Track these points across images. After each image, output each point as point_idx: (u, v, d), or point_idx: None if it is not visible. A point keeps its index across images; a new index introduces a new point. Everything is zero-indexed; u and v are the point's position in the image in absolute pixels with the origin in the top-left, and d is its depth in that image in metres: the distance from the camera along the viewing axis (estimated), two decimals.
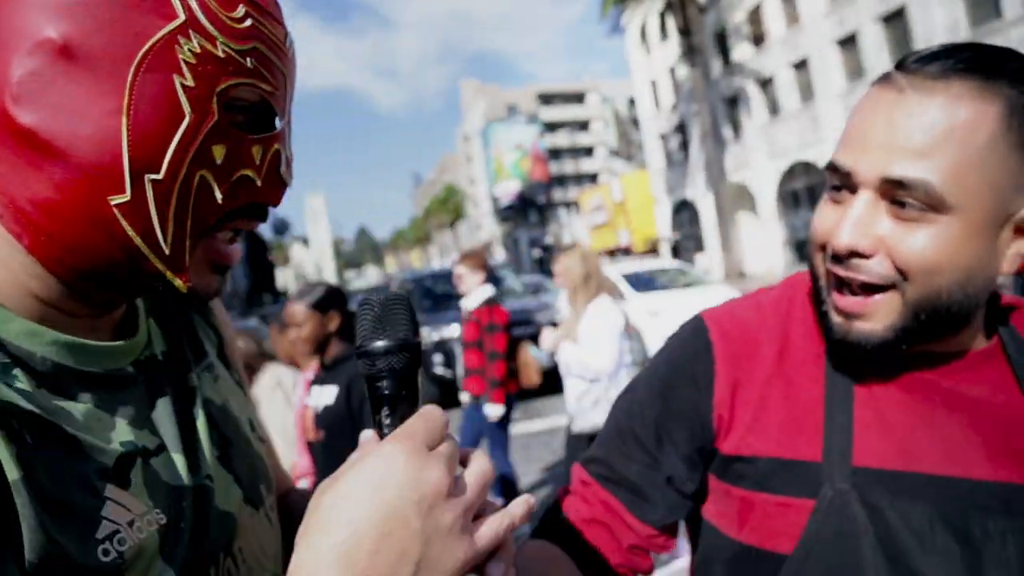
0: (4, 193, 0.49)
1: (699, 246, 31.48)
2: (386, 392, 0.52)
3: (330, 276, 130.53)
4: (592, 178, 63.70)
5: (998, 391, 0.72)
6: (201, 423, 0.61)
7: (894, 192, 0.64)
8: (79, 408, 0.51)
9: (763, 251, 27.51)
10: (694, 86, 27.23)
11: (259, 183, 0.55)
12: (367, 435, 0.51)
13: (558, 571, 0.78)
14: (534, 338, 8.79)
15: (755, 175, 27.34)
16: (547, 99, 66.29)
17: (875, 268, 0.66)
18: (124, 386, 0.56)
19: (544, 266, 48.01)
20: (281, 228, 76.10)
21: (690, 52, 26.71)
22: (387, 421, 0.51)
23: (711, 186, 26.79)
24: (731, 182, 28.37)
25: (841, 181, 0.68)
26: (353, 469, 0.45)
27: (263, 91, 0.54)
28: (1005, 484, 0.67)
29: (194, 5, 0.50)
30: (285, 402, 3.22)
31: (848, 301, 0.69)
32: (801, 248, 25.80)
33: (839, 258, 0.68)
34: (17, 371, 0.48)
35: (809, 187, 25.46)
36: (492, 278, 4.43)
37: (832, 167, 0.69)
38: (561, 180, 63.85)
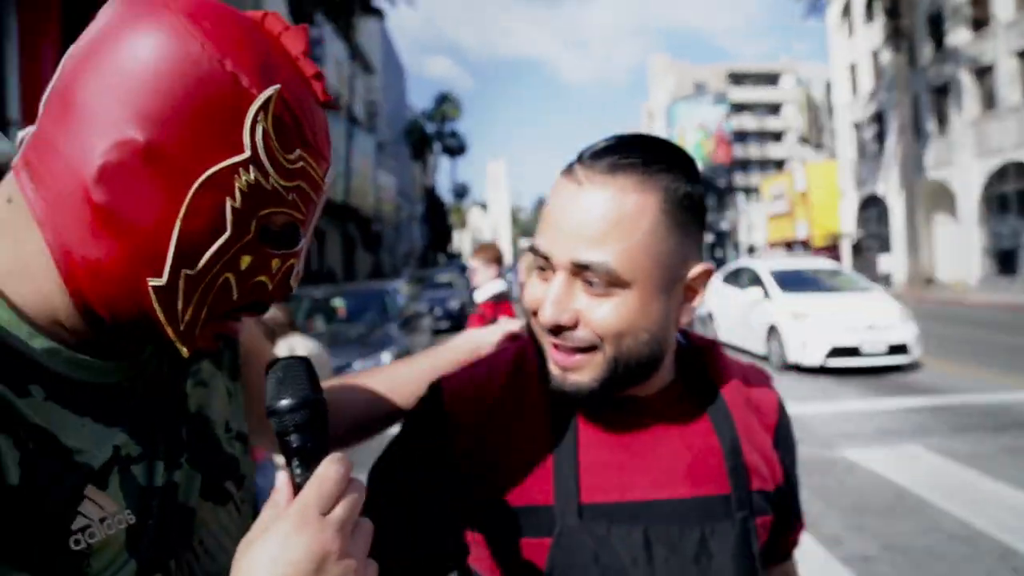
0: (65, 244, 0.58)
1: (884, 247, 29.13)
2: (294, 445, 0.59)
3: (505, 243, 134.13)
4: (778, 165, 60.48)
5: (690, 421, 0.87)
6: (183, 432, 0.70)
7: (583, 273, 0.76)
8: (79, 420, 0.60)
9: (958, 258, 25.00)
10: (897, 73, 25.02)
11: (270, 288, 0.64)
12: (281, 482, 0.58)
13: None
14: None
15: (958, 174, 24.79)
16: (738, 79, 63.46)
17: (579, 335, 0.78)
18: (122, 398, 0.64)
19: (714, 252, 46.52)
20: (461, 192, 78.91)
21: (896, 35, 24.53)
22: (297, 471, 0.58)
23: (905, 182, 24.63)
24: (929, 179, 25.92)
25: (543, 263, 0.80)
26: (259, 542, 0.54)
27: (295, 219, 0.63)
28: (703, 497, 0.82)
29: (260, 144, 0.58)
30: None
31: (560, 357, 0.80)
32: (1005, 258, 23.23)
33: (545, 327, 0.79)
34: (34, 386, 0.57)
35: (1021, 191, 22.73)
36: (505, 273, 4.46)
37: (534, 250, 0.80)
38: (744, 164, 61.17)
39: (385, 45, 55.22)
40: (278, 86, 0.59)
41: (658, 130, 66.63)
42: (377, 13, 27.34)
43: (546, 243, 0.78)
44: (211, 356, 0.78)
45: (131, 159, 0.55)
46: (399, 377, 1.05)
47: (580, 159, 0.79)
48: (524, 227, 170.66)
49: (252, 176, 0.58)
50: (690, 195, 0.78)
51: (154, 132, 0.56)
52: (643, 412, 0.86)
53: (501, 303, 4.33)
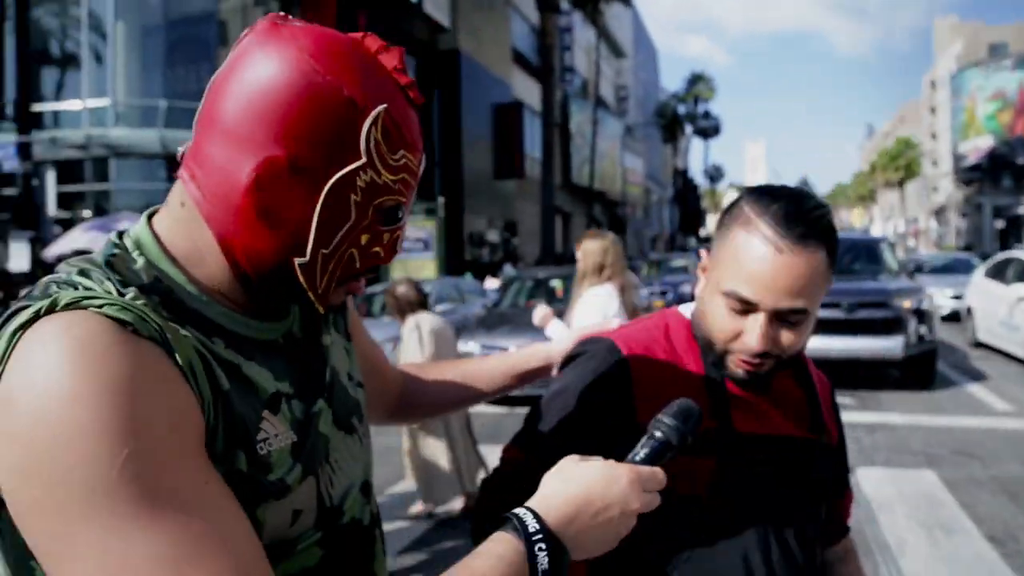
0: (229, 236, 0.74)
1: None
2: (654, 443, 0.86)
3: None
4: None
5: (785, 384, 1.18)
6: (326, 378, 0.88)
7: (784, 314, 1.02)
8: (251, 363, 0.76)
9: None
10: None
11: (383, 255, 0.81)
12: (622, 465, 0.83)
13: None
14: (883, 323, 7.87)
15: None
16: None
17: (772, 353, 1.05)
18: (276, 351, 0.81)
19: (1006, 240, 40.27)
20: (715, 175, 76.46)
21: None
22: (641, 453, 0.86)
23: None
24: None
25: (743, 306, 1.03)
26: (601, 464, 0.80)
27: (400, 201, 0.79)
28: (792, 436, 1.14)
29: (372, 151, 0.74)
30: (418, 341, 4.30)
31: (749, 366, 1.06)
32: None
33: (748, 354, 1.05)
34: (216, 338, 0.74)
35: None
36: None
37: (738, 297, 1.02)
38: None
39: (636, 28, 54.90)
40: (385, 105, 0.73)
41: (941, 102, 59.10)
42: None
43: (755, 294, 1.01)
44: (333, 321, 0.96)
45: (277, 171, 0.71)
46: (475, 371, 1.27)
47: (764, 218, 1.03)
48: None
49: (369, 176, 0.74)
50: (833, 247, 1.04)
51: (293, 149, 0.71)
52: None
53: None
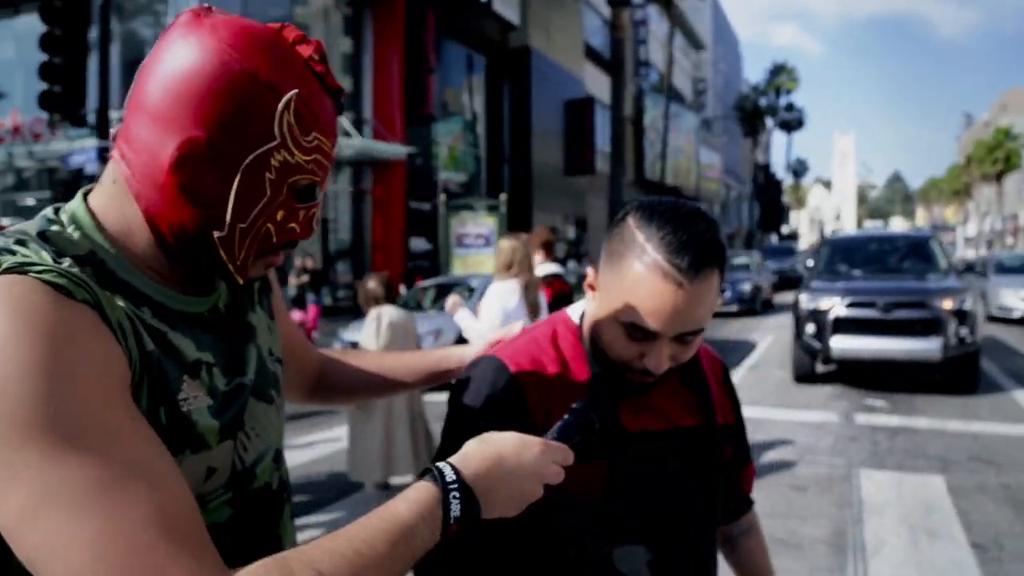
0: (154, 211, 0.80)
1: None
2: (563, 422, 0.96)
3: (849, 222, 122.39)
4: None
5: (679, 378, 1.21)
6: (249, 352, 0.94)
7: (683, 336, 1.05)
8: (175, 332, 0.82)
9: None
10: None
11: (298, 231, 0.86)
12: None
13: None
14: (920, 324, 7.72)
15: None
16: None
17: (671, 367, 1.09)
18: (201, 324, 0.87)
19: None
20: (799, 169, 74.10)
21: None
22: (553, 432, 0.95)
23: None
24: None
25: (643, 334, 1.05)
26: (517, 434, 0.86)
27: (314, 180, 0.84)
28: (681, 427, 1.19)
29: (286, 133, 0.79)
30: (375, 330, 4.77)
31: (648, 377, 1.09)
32: None
33: (649, 373, 1.08)
34: (144, 307, 0.79)
35: None
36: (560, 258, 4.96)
37: (641, 328, 1.04)
38: None
39: (717, 19, 53.58)
40: (296, 91, 0.79)
41: None
42: None
43: (657, 324, 1.03)
44: (256, 299, 1.01)
45: (197, 151, 0.77)
46: (393, 364, 1.33)
47: (661, 251, 1.03)
48: (874, 206, 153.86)
49: (282, 156, 0.80)
50: (722, 266, 1.09)
51: (211, 131, 0.77)
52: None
53: (553, 282, 5.09)
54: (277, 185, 0.81)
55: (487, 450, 0.83)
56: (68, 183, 11.43)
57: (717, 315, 17.06)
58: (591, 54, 28.64)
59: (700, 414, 1.21)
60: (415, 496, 0.76)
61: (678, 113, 38.07)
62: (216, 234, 0.80)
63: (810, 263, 10.82)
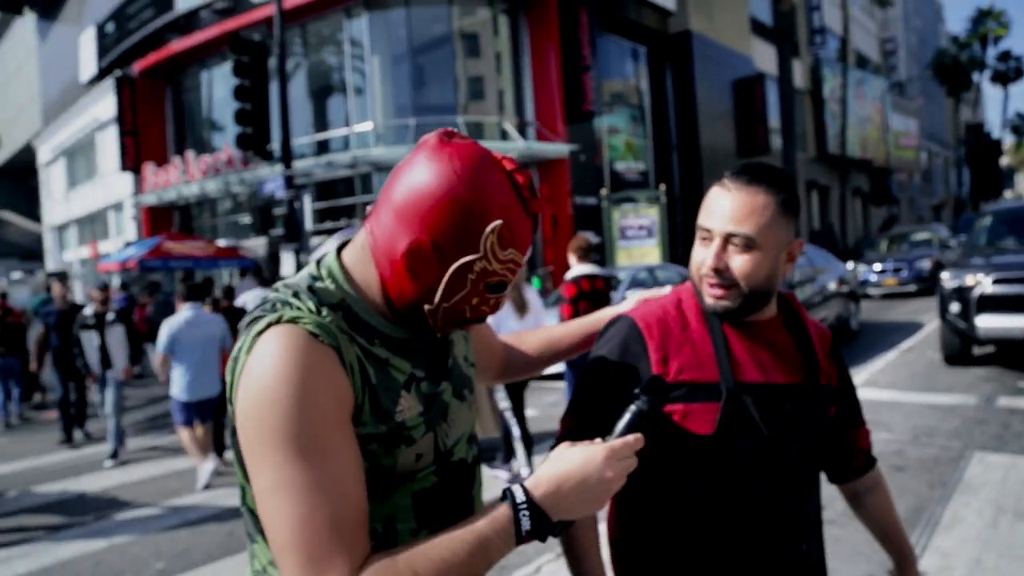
0: (385, 276, 1.04)
1: None
2: (630, 416, 1.08)
3: None
4: None
5: (783, 337, 1.37)
6: (448, 362, 1.17)
7: (731, 239, 1.25)
8: (396, 357, 1.06)
9: None
10: None
11: (488, 311, 1.08)
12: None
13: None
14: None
15: None
16: None
17: (726, 276, 1.27)
18: (414, 346, 1.10)
19: None
20: (1021, 127, 65.92)
21: None
22: (620, 427, 1.07)
23: None
24: None
25: (705, 235, 1.28)
26: (583, 447, 1.01)
27: (506, 281, 1.06)
28: (787, 384, 1.32)
29: (488, 250, 1.01)
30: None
31: (715, 291, 1.29)
32: None
33: (708, 273, 1.28)
34: (376, 340, 1.04)
35: None
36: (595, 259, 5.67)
37: (701, 227, 1.29)
38: None
39: None
40: (500, 221, 1.00)
41: None
42: None
43: (708, 222, 1.27)
44: None
45: (421, 249, 1.00)
46: (559, 335, 1.57)
47: (726, 176, 1.30)
48: None
49: (483, 265, 1.02)
50: (788, 200, 1.26)
51: (434, 237, 0.99)
52: (762, 330, 1.35)
53: (581, 281, 5.72)
54: (476, 283, 1.04)
55: (555, 469, 0.99)
56: (263, 207, 13.08)
57: (891, 296, 16.09)
58: (759, 29, 27.43)
59: (804, 373, 1.33)
60: (493, 514, 0.95)
61: (863, 80, 35.36)
62: (426, 307, 1.05)
63: (963, 237, 9.76)
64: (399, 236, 1.01)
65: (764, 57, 26.86)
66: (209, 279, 13.65)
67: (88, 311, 7.67)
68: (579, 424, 1.31)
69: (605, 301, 5.69)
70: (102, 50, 23.37)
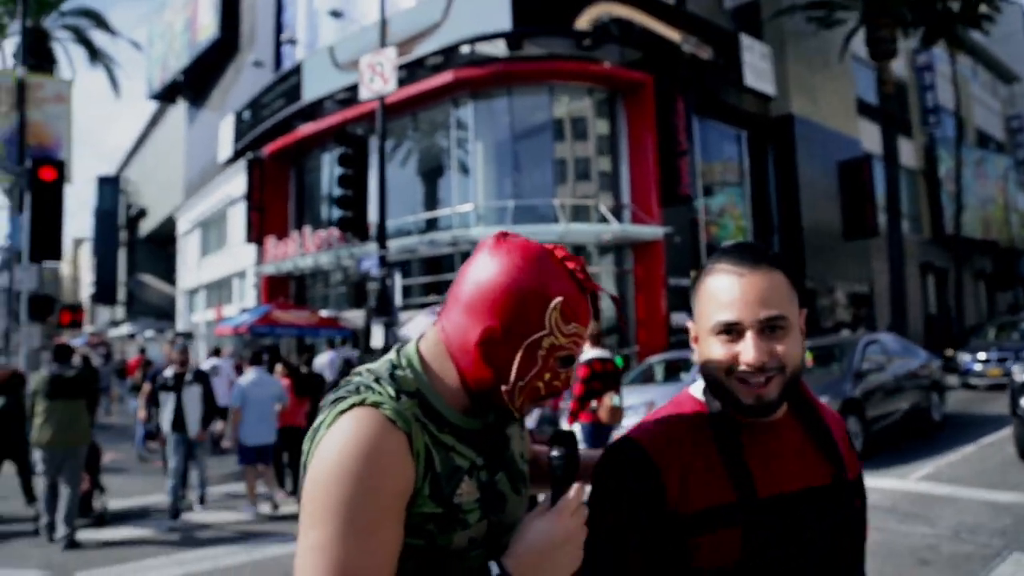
0: (463, 367, 1.12)
1: None
2: (557, 474, 1.12)
3: None
4: None
5: (798, 434, 1.25)
6: (506, 456, 1.22)
7: (770, 323, 1.13)
8: (462, 444, 1.13)
9: None
10: None
11: (560, 386, 1.16)
12: (548, 497, 1.11)
13: None
14: None
15: None
16: None
17: (771, 365, 1.14)
18: (478, 436, 1.17)
19: None
20: None
21: None
22: (552, 491, 1.11)
23: None
24: None
25: (730, 329, 1.14)
26: (537, 518, 1.08)
27: (573, 353, 1.13)
28: (813, 488, 1.21)
29: (553, 325, 1.09)
30: None
31: (758, 388, 1.14)
32: None
33: (751, 369, 1.13)
34: (444, 428, 1.11)
35: None
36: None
37: (724, 324, 1.14)
38: None
39: None
40: (560, 298, 1.09)
41: None
42: (984, 20, 24.06)
43: (735, 315, 1.14)
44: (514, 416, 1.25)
45: (493, 335, 1.10)
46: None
47: (720, 261, 1.18)
48: None
49: (551, 340, 1.10)
50: (790, 272, 1.19)
51: (503, 322, 1.09)
52: (775, 430, 1.23)
53: (593, 363, 6.19)
54: (546, 359, 1.12)
55: (523, 541, 1.06)
56: (359, 283, 14.30)
57: (997, 387, 14.79)
58: (867, 110, 27.11)
59: (831, 471, 1.23)
60: None
61: (983, 159, 33.97)
62: (503, 388, 1.12)
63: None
64: (471, 327, 1.11)
65: (873, 138, 26.43)
66: (275, 347, 14.88)
67: (168, 373, 7.91)
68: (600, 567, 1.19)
69: (616, 381, 6.12)
70: (238, 134, 25.80)
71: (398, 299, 12.77)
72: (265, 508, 7.95)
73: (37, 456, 6.79)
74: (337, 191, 11.91)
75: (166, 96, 36.80)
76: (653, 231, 17.39)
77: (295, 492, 8.13)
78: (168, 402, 7.80)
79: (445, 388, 1.14)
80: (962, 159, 30.78)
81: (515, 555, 1.05)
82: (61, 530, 6.70)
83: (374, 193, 12.26)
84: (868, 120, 26.84)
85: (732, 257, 1.18)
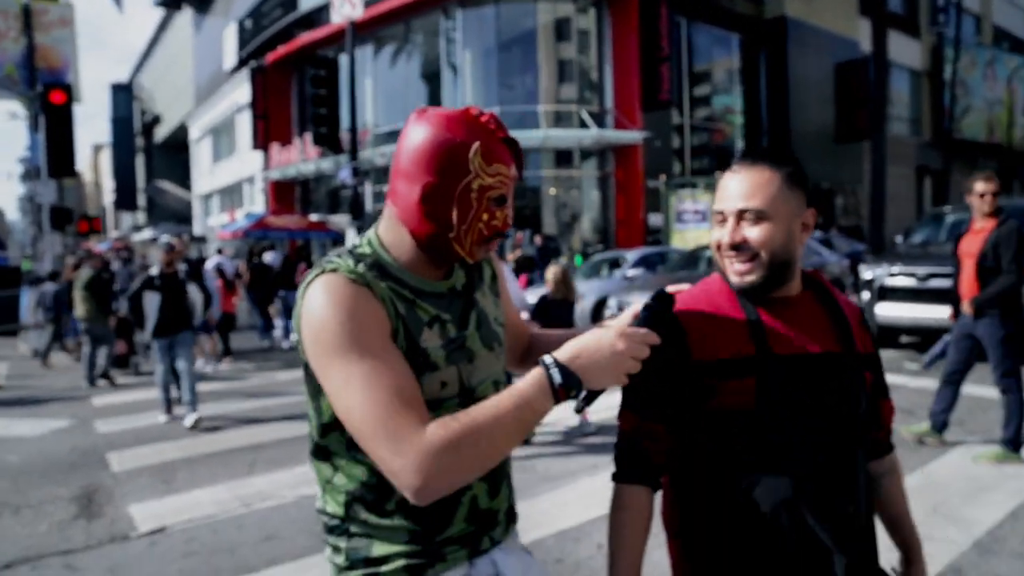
0: (414, 229, 1.24)
1: None
2: (642, 315, 1.20)
3: None
4: None
5: (815, 310, 1.40)
6: (472, 314, 1.35)
7: (743, 215, 1.31)
8: (422, 301, 1.25)
9: None
10: None
11: (500, 225, 1.27)
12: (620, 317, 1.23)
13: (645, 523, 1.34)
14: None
15: None
16: None
17: (745, 248, 1.32)
18: (441, 297, 1.30)
19: None
20: None
21: None
22: (635, 320, 1.18)
23: None
24: None
25: (720, 217, 1.34)
26: (595, 331, 1.16)
27: (502, 192, 1.26)
28: (823, 353, 1.34)
29: (477, 167, 1.21)
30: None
31: (739, 267, 1.33)
32: None
33: (727, 250, 1.33)
34: (405, 289, 1.23)
35: None
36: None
37: (716, 212, 1.35)
38: None
39: None
40: (478, 142, 1.22)
41: None
42: None
43: (721, 205, 1.34)
44: (483, 279, 1.43)
45: (430, 189, 1.22)
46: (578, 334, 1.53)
47: (734, 163, 1.37)
48: None
49: (479, 183, 1.23)
50: (794, 173, 1.33)
51: (436, 175, 1.22)
52: (792, 305, 1.38)
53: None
54: (479, 200, 1.24)
55: (575, 343, 1.15)
56: (333, 191, 15.81)
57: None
58: (870, 10, 26.72)
59: (840, 342, 1.35)
60: (529, 377, 1.13)
61: (994, 58, 33.19)
62: (450, 235, 1.25)
63: (899, 238, 10.53)
64: (411, 190, 1.23)
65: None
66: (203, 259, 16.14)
67: (154, 271, 7.37)
68: (643, 414, 1.34)
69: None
70: (241, 43, 26.33)
71: (368, 205, 14.24)
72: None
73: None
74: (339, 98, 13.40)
75: (171, 2, 36.95)
76: (632, 136, 18.08)
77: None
78: (153, 301, 7.21)
79: (402, 253, 1.28)
80: (973, 59, 30.17)
81: (565, 349, 1.14)
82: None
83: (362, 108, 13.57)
84: (871, 21, 26.51)
85: (739, 160, 1.35)
